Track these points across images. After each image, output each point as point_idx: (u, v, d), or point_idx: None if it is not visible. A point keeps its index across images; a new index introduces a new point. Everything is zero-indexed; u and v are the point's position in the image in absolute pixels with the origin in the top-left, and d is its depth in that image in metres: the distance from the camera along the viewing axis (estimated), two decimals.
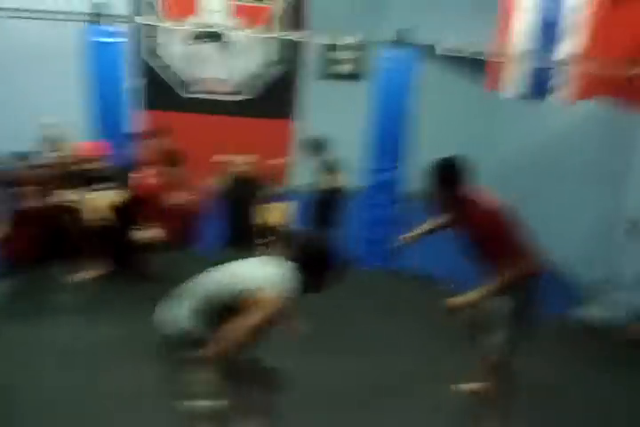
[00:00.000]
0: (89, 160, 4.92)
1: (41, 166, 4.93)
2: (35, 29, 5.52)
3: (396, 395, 3.59)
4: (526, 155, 6.84)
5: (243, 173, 5.37)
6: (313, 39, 6.16)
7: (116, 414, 3.27)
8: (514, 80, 5.19)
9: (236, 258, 2.68)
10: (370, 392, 3.61)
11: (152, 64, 7.27)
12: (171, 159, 5.09)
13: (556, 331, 4.56)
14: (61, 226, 4.83)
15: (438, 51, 5.10)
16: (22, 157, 4.87)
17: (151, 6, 7.02)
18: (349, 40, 5.39)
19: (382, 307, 4.80)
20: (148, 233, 4.90)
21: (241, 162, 5.37)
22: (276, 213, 5.54)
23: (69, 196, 4.83)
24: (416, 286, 5.23)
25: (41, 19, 4.98)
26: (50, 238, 4.89)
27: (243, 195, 5.35)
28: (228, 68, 7.49)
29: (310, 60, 7.70)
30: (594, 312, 4.67)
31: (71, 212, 4.84)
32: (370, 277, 5.19)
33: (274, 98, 7.46)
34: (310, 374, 3.54)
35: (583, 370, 4.06)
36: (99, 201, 4.86)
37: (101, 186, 4.92)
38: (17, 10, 4.80)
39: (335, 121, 6.61)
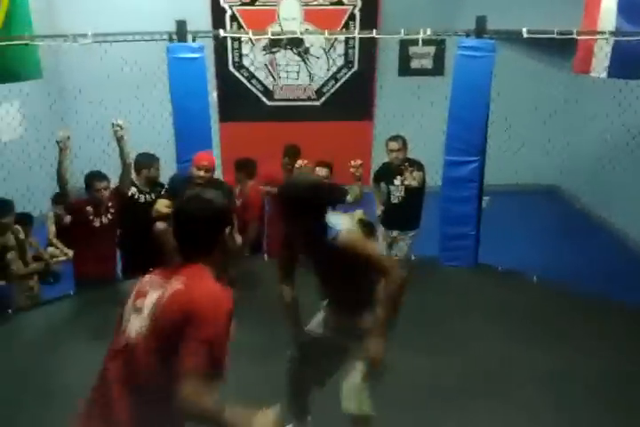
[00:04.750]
0: (208, 169, 4.76)
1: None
2: (119, 52, 5.74)
3: (483, 394, 3.52)
4: (618, 141, 6.50)
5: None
6: (389, 35, 6.05)
7: None
8: (604, 59, 4.92)
9: None
10: (457, 390, 3.56)
11: (237, 75, 7.53)
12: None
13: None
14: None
15: (525, 34, 4.85)
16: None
17: (232, 19, 7.32)
18: (426, 33, 5.19)
19: (467, 305, 4.71)
20: (239, 239, 4.92)
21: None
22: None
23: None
24: (500, 281, 5.12)
25: (128, 40, 5.20)
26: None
27: None
28: (307, 74, 7.63)
29: (388, 58, 7.69)
30: None
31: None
32: (453, 275, 5.11)
33: (352, 99, 7.49)
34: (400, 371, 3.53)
35: None
36: None
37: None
38: (104, 34, 5.04)
39: (416, 118, 6.55)
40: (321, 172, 5.13)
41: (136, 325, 1.83)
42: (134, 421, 1.79)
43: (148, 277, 1.96)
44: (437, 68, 7.69)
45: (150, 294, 1.86)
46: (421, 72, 7.80)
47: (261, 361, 3.72)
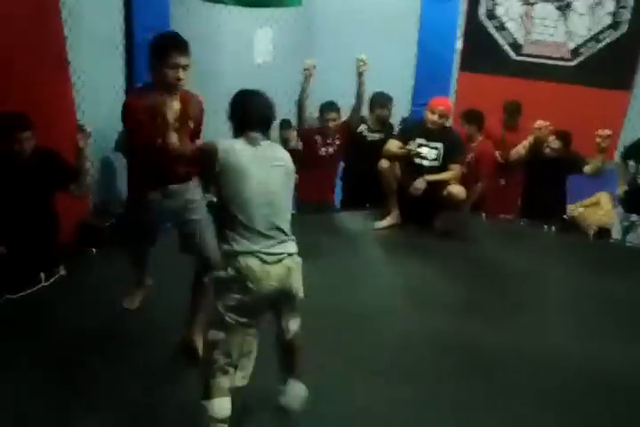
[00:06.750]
0: (443, 115, 4.68)
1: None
2: None
3: None
4: None
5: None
6: None
7: None
8: None
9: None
10: None
11: (486, 25, 7.10)
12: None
13: None
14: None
15: None
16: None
17: None
18: None
19: None
20: (457, 189, 4.73)
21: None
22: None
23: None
24: None
25: None
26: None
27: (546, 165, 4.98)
28: (565, 31, 6.96)
29: None
30: None
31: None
32: None
33: (612, 65, 6.68)
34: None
35: None
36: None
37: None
38: None
39: None
40: (553, 143, 4.84)
41: None
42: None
43: None
44: None
45: None
46: None
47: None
